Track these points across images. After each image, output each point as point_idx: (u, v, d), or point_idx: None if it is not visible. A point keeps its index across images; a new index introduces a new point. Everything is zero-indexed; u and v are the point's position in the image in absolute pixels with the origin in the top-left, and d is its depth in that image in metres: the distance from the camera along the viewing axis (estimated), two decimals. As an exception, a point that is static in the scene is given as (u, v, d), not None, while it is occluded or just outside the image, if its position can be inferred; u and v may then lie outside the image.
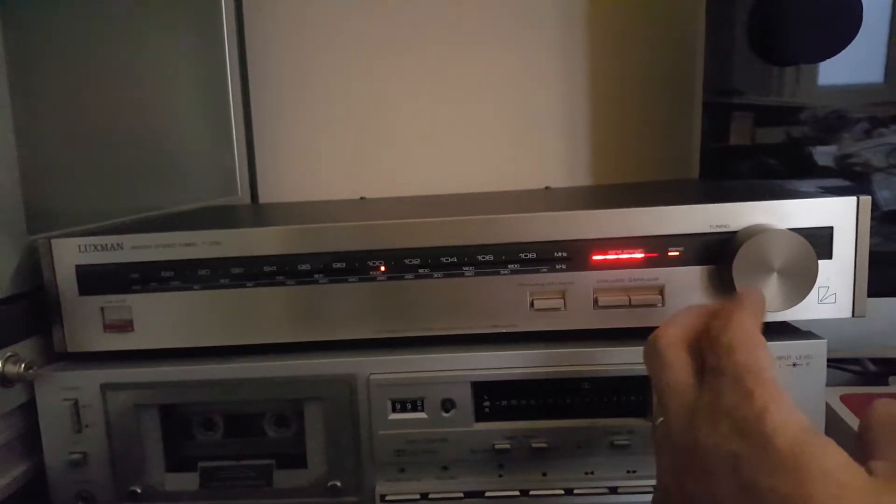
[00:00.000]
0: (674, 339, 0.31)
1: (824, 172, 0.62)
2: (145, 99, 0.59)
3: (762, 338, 0.28)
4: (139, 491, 0.41)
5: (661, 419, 0.30)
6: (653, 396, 0.34)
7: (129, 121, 0.56)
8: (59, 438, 0.41)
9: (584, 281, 0.40)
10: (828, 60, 0.60)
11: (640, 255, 0.39)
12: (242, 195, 0.75)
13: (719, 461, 0.25)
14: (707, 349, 0.29)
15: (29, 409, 0.41)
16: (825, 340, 0.39)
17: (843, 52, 0.59)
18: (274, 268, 0.40)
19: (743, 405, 0.26)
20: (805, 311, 0.39)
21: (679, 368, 0.30)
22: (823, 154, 0.62)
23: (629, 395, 0.40)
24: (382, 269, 0.40)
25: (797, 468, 0.23)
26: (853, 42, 0.58)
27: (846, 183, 0.62)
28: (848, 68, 0.60)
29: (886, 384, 0.55)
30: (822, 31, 0.58)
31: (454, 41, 0.77)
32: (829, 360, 0.39)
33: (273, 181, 0.79)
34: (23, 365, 0.39)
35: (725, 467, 0.25)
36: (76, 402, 0.40)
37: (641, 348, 0.39)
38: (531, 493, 0.40)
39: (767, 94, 0.63)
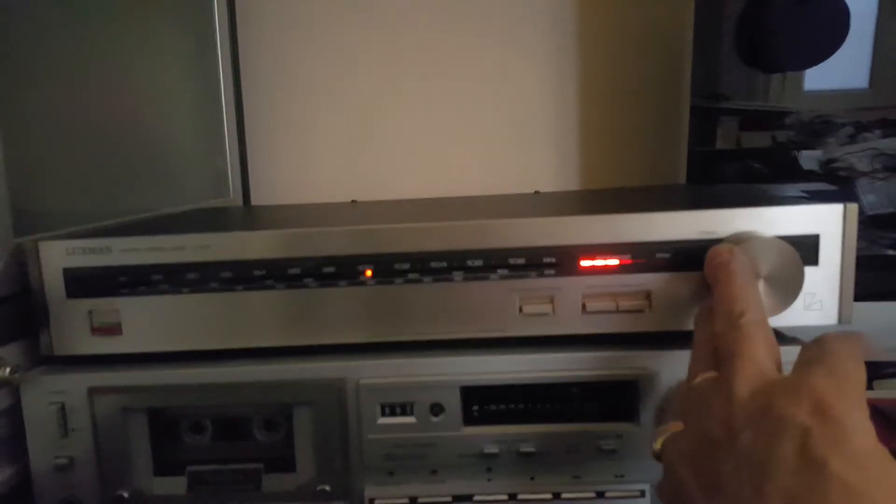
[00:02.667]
0: (760, 320, 0.32)
1: (809, 177, 0.63)
2: (136, 99, 0.58)
3: (863, 368, 0.29)
4: (126, 496, 0.41)
5: (711, 375, 0.32)
6: (696, 351, 0.35)
7: (119, 121, 0.56)
8: (45, 443, 0.40)
9: (572, 286, 0.40)
10: (813, 66, 0.61)
11: (627, 261, 0.40)
12: (234, 197, 0.75)
13: (789, 430, 0.26)
14: (813, 347, 0.31)
15: (14, 413, 0.40)
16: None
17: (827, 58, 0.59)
18: (263, 272, 0.40)
19: (833, 394, 0.27)
20: (791, 318, 0.39)
21: (761, 346, 0.31)
22: (809, 158, 0.63)
23: (617, 400, 0.40)
24: (372, 273, 0.40)
25: (871, 471, 0.25)
26: (835, 51, 0.59)
27: (831, 187, 0.62)
28: (833, 74, 0.61)
29: (871, 388, 0.56)
30: (808, 38, 0.59)
31: (446, 46, 0.77)
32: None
33: (265, 183, 0.79)
34: (8, 369, 0.38)
35: (794, 436, 0.26)
36: (63, 406, 0.40)
37: (629, 353, 0.40)
38: (519, 496, 0.40)
39: (754, 100, 0.64)
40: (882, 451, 0.26)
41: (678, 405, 0.35)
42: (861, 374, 0.28)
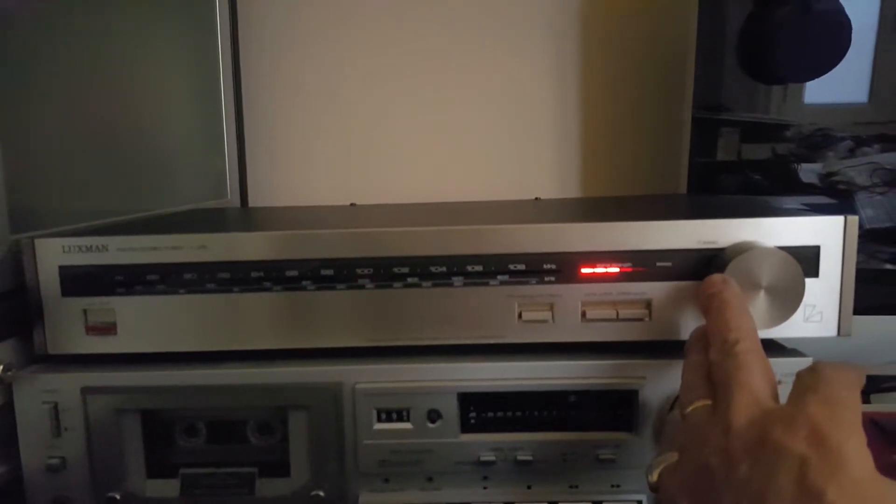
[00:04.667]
0: (755, 348, 0.32)
1: (809, 190, 0.63)
2: (136, 99, 0.58)
3: (858, 395, 0.29)
4: (118, 497, 0.40)
5: (705, 403, 0.32)
6: (687, 378, 0.35)
7: (118, 121, 0.55)
8: (37, 442, 0.40)
9: (572, 293, 0.40)
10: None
11: (628, 269, 0.39)
12: (232, 198, 0.74)
13: (786, 459, 0.26)
14: (807, 374, 0.30)
15: (7, 412, 0.40)
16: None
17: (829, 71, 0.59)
18: (261, 273, 0.40)
19: (829, 423, 0.27)
20: (791, 329, 0.39)
21: (757, 373, 0.31)
22: (808, 171, 0.63)
23: (615, 410, 0.40)
24: (370, 277, 0.40)
25: (867, 500, 0.25)
26: (837, 64, 0.59)
27: (830, 200, 0.63)
28: (833, 87, 0.61)
29: (868, 401, 0.56)
30: (810, 51, 0.59)
31: (447, 51, 0.77)
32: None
33: (263, 185, 0.79)
34: (1, 367, 0.38)
35: (791, 466, 0.26)
36: (56, 406, 0.40)
37: (628, 362, 0.39)
38: (515, 505, 0.40)
39: (755, 112, 0.64)
40: (879, 479, 0.26)
41: (673, 435, 0.35)
42: (856, 402, 0.28)
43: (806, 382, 0.30)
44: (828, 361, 0.31)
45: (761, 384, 0.31)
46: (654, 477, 0.33)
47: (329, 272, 0.40)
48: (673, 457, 0.32)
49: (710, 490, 0.29)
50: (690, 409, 0.33)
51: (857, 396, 0.29)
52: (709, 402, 0.32)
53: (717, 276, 0.37)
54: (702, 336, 0.36)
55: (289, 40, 0.77)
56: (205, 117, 0.71)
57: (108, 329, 0.40)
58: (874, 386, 0.57)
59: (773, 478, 0.26)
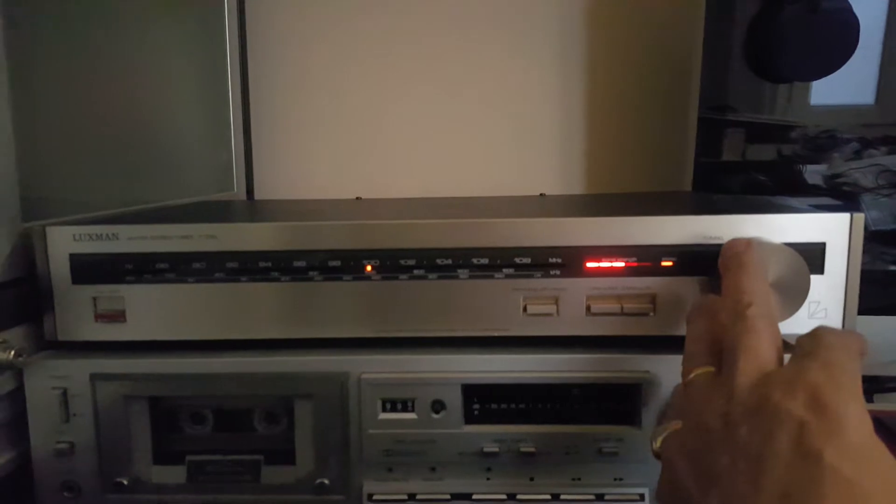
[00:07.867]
0: (767, 313, 0.32)
1: (814, 191, 0.63)
2: (145, 92, 0.59)
3: (858, 361, 0.29)
4: (125, 483, 0.41)
5: (707, 370, 0.32)
6: (690, 347, 0.35)
7: (127, 113, 0.56)
8: (46, 427, 0.41)
9: (577, 287, 0.40)
10: (820, 80, 0.61)
11: (633, 264, 0.40)
12: (238, 191, 0.75)
13: (785, 423, 0.26)
14: (807, 339, 0.31)
15: (17, 397, 0.40)
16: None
17: (835, 72, 0.59)
18: (269, 263, 0.40)
19: (828, 387, 0.27)
20: (795, 326, 0.39)
21: (765, 339, 0.31)
22: (814, 173, 0.63)
23: (618, 403, 0.41)
24: (377, 268, 0.40)
25: (866, 463, 0.25)
26: (845, 63, 0.59)
27: (835, 202, 0.63)
28: (840, 89, 0.61)
29: (871, 401, 0.56)
30: (818, 49, 0.59)
31: (453, 47, 0.78)
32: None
33: (269, 179, 0.79)
34: (12, 352, 0.38)
35: (790, 429, 0.26)
36: (65, 392, 0.40)
37: (632, 356, 0.40)
38: (518, 497, 0.40)
39: (761, 113, 0.64)
40: (877, 443, 0.26)
41: (676, 404, 0.35)
42: (856, 367, 0.28)
43: (806, 347, 0.30)
44: (829, 327, 0.31)
45: (768, 350, 0.31)
46: (658, 444, 0.33)
47: (336, 263, 0.40)
48: (676, 425, 0.32)
49: (709, 452, 0.29)
50: (692, 376, 0.33)
51: (858, 361, 0.29)
52: (711, 368, 0.32)
53: (741, 239, 0.37)
54: (701, 306, 0.36)
55: (295, 35, 0.78)
56: (212, 111, 0.71)
57: (118, 316, 0.41)
58: (878, 385, 0.57)
59: (772, 440, 0.26)
